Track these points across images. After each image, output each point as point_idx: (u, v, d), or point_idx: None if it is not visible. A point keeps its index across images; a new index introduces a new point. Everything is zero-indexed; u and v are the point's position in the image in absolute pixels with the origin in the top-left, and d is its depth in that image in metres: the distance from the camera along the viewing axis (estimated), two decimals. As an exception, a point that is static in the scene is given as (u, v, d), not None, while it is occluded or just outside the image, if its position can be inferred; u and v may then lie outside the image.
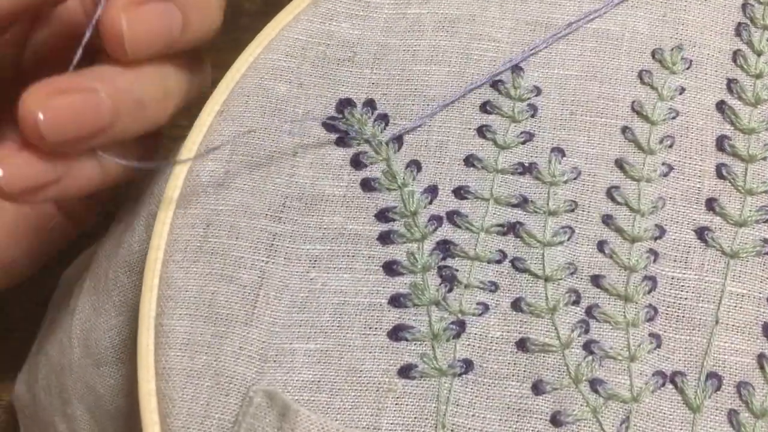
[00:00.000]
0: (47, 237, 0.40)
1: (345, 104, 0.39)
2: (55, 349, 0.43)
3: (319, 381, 0.35)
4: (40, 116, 0.29)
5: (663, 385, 0.35)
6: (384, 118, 0.39)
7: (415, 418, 0.34)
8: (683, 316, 0.36)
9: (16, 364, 0.48)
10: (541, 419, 0.34)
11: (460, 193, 0.38)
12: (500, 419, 0.34)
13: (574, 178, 0.38)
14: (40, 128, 0.29)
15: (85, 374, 0.41)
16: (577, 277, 0.36)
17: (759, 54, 0.39)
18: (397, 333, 0.35)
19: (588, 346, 0.35)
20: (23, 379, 0.46)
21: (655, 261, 0.36)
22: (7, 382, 0.49)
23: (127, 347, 0.40)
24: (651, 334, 0.36)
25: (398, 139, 0.39)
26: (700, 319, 0.36)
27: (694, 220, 0.37)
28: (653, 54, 0.40)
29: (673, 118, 0.39)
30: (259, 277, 0.36)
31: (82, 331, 0.42)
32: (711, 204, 0.37)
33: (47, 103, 0.30)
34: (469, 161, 0.38)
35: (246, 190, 0.37)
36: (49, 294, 0.49)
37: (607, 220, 0.37)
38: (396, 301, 0.36)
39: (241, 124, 0.39)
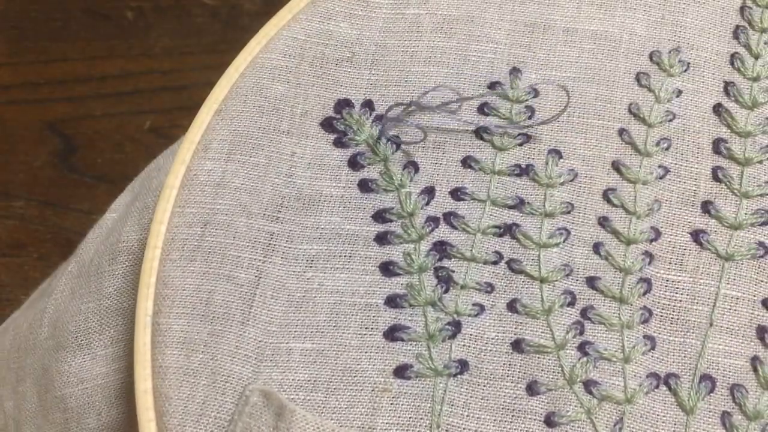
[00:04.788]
0: None
1: (343, 104, 0.39)
2: (25, 327, 0.43)
3: (314, 380, 0.35)
4: None
5: (657, 386, 0.35)
6: (382, 119, 0.39)
7: (410, 418, 0.34)
8: (678, 319, 0.36)
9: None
10: (535, 420, 0.34)
11: (457, 194, 0.38)
12: (495, 420, 0.34)
13: (571, 180, 0.38)
14: None
15: (44, 355, 0.41)
16: (572, 279, 0.36)
17: (756, 57, 0.40)
18: (392, 333, 0.36)
19: (583, 348, 0.35)
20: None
21: (650, 263, 0.37)
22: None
23: (89, 334, 0.40)
24: (645, 336, 0.36)
25: (396, 139, 0.39)
26: (695, 321, 0.36)
27: (689, 222, 0.37)
28: (651, 56, 0.40)
29: (670, 120, 0.39)
30: (255, 276, 0.36)
31: (55, 313, 0.42)
32: (706, 207, 0.37)
33: None
34: (467, 162, 0.38)
35: (244, 190, 0.38)
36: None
37: (603, 222, 0.37)
38: (392, 301, 0.36)
39: (240, 123, 0.39)
